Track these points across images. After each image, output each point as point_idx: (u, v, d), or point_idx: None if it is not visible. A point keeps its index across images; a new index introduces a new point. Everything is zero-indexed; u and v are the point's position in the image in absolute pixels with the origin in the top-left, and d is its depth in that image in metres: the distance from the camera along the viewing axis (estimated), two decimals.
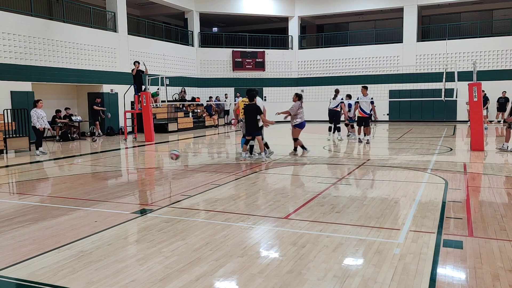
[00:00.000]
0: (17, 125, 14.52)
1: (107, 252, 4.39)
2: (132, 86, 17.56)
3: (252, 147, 11.18)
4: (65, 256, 4.28)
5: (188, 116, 23.54)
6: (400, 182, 7.96)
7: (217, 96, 27.24)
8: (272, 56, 28.39)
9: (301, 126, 11.43)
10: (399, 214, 5.71)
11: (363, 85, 14.52)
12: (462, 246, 4.39)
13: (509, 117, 12.00)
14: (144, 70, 17.04)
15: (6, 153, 13.44)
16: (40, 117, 12.98)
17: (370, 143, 14.14)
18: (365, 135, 14.44)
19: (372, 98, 14.41)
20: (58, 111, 17.93)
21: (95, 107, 18.68)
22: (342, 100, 15.46)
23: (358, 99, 14.34)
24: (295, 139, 11.63)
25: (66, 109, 18.26)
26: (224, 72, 27.48)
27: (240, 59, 27.69)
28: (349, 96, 16.24)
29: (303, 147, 11.60)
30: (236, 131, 20.14)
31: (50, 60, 17.39)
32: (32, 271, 3.91)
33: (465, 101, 18.66)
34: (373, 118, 15.43)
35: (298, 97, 11.53)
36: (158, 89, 18.72)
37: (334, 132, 15.51)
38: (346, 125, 16.14)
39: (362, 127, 14.45)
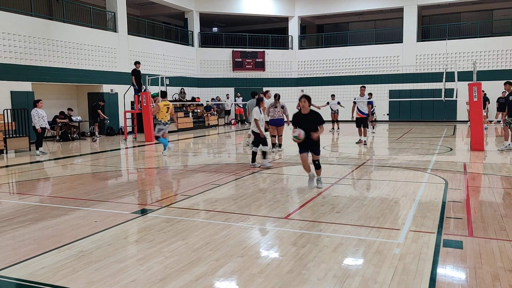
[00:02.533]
0: (17, 125, 14.52)
1: (107, 252, 4.39)
2: (132, 86, 17.56)
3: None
4: (65, 256, 4.28)
5: (188, 116, 23.54)
6: (400, 182, 7.97)
7: (217, 96, 27.26)
8: (272, 56, 28.39)
9: (270, 123, 12.30)
10: (399, 214, 5.71)
11: (362, 85, 14.42)
12: (462, 246, 4.39)
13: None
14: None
15: (6, 153, 13.44)
16: (41, 117, 13.00)
17: (367, 144, 14.01)
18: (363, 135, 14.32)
19: (369, 98, 14.30)
20: (62, 113, 17.91)
21: (99, 111, 18.50)
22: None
23: (355, 99, 14.16)
24: (272, 136, 12.61)
25: (68, 109, 18.27)
26: (224, 72, 27.48)
27: (240, 59, 27.68)
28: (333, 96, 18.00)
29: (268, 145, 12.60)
30: (236, 130, 20.18)
31: (50, 60, 17.39)
32: (32, 271, 3.91)
33: (465, 101, 18.67)
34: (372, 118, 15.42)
35: (274, 96, 12.44)
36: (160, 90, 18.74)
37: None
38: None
39: (362, 128, 14.25)
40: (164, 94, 13.04)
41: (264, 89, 13.50)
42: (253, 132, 9.81)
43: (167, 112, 11.97)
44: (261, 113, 9.71)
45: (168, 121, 12.13)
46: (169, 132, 20.54)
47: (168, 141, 12.51)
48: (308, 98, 7.31)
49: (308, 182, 7.52)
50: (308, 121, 7.28)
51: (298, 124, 7.30)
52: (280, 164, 10.44)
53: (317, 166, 7.42)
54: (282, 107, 12.25)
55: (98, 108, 18.45)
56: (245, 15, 28.34)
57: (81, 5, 19.84)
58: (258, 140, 9.70)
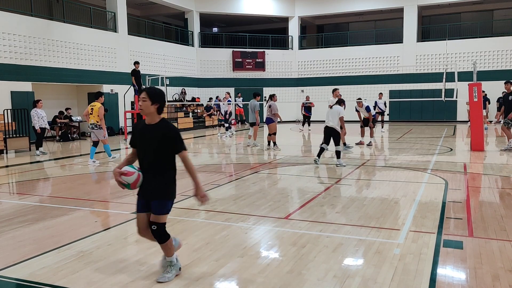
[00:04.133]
0: (17, 125, 14.52)
1: (107, 252, 4.39)
2: (132, 86, 17.57)
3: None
4: (65, 256, 4.28)
5: (188, 116, 23.55)
6: (400, 182, 7.96)
7: (217, 96, 27.24)
8: (272, 56, 28.39)
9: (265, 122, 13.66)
10: (399, 214, 5.71)
11: (358, 100, 14.40)
12: (462, 246, 4.39)
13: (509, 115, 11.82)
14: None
15: (6, 153, 13.44)
16: (40, 117, 13.00)
17: (372, 145, 13.82)
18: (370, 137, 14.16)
19: (368, 105, 14.20)
20: (61, 113, 17.90)
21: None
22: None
23: (356, 109, 14.17)
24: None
25: (67, 109, 18.26)
26: (224, 72, 27.48)
27: (240, 59, 27.68)
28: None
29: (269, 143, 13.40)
30: (236, 131, 20.17)
31: (50, 60, 17.38)
32: (32, 271, 3.91)
33: (465, 101, 18.65)
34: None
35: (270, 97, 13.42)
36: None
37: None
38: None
39: (366, 128, 14.20)
40: (96, 95, 11.02)
41: (334, 87, 13.57)
42: (329, 129, 9.74)
43: (90, 114, 10.68)
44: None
45: (92, 124, 10.68)
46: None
47: (93, 154, 10.93)
48: (151, 93, 3.60)
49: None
50: (151, 139, 3.54)
51: (135, 143, 3.69)
52: (280, 164, 10.43)
53: (158, 237, 3.63)
54: (269, 106, 13.07)
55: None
56: (245, 15, 28.34)
57: (81, 5, 19.84)
58: (338, 138, 9.76)
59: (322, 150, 10.03)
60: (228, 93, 19.78)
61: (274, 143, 13.18)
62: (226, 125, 18.52)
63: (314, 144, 14.74)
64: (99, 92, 11.11)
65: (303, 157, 11.61)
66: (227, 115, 18.74)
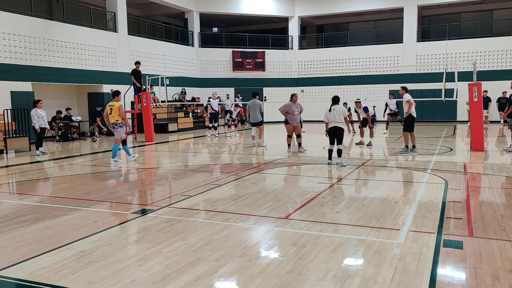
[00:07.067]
0: (17, 125, 14.52)
1: (107, 252, 4.39)
2: (132, 86, 17.56)
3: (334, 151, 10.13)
4: (65, 256, 4.28)
5: (188, 116, 23.55)
6: (400, 182, 7.97)
7: (218, 96, 27.19)
8: (272, 56, 28.39)
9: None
10: (399, 214, 5.71)
11: (356, 100, 14.43)
12: (462, 246, 4.40)
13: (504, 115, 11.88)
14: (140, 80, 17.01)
15: (6, 153, 13.44)
16: (41, 117, 13.00)
17: (372, 145, 13.84)
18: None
19: (366, 106, 14.24)
20: (58, 112, 17.89)
21: (99, 120, 18.46)
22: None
23: (355, 110, 14.38)
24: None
25: (67, 109, 18.25)
26: (224, 72, 27.48)
27: (240, 59, 27.68)
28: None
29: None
30: (235, 131, 20.19)
31: (50, 60, 17.38)
32: (32, 271, 3.91)
33: (465, 101, 18.64)
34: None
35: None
36: (150, 91, 18.75)
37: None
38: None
39: (364, 128, 14.27)
40: (113, 94, 11.02)
41: (403, 86, 13.05)
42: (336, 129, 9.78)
43: (110, 114, 10.72)
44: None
45: (117, 122, 10.68)
46: (170, 131, 20.64)
47: (128, 154, 11.30)
48: None
49: None
50: None
51: None
52: (280, 164, 10.43)
53: None
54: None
55: (99, 116, 18.41)
56: (245, 15, 28.34)
57: (81, 5, 19.84)
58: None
59: (330, 151, 9.99)
60: (215, 93, 19.81)
61: (292, 145, 12.74)
62: (231, 124, 18.58)
63: (311, 144, 14.73)
64: (116, 91, 10.98)
65: (302, 157, 11.60)
66: (233, 115, 19.31)
